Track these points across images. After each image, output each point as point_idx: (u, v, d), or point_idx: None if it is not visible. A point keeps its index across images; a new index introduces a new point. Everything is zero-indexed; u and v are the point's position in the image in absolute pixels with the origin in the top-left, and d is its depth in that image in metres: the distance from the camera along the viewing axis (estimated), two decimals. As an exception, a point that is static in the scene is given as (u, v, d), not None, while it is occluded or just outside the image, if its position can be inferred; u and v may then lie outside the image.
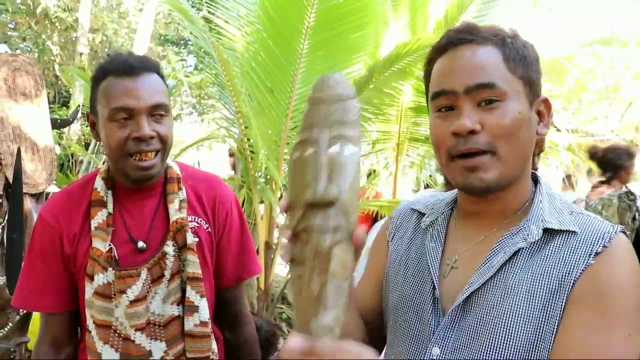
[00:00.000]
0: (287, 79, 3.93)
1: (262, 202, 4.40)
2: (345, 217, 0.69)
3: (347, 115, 0.73)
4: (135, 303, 1.35)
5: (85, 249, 1.40)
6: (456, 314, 0.91)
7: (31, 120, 3.23)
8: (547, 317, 0.83)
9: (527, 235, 0.89)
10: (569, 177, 6.19)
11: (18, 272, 2.57)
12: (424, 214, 1.09)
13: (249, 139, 4.11)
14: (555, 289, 0.84)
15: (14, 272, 2.59)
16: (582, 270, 0.83)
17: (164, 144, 1.40)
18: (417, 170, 5.58)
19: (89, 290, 1.38)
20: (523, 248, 0.89)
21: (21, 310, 2.45)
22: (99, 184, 1.45)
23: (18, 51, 10.12)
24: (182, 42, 13.51)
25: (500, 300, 0.87)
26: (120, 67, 1.36)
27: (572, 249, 0.86)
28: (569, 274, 0.83)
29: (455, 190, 1.06)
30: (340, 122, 0.73)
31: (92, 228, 1.40)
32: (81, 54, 10.33)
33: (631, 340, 0.78)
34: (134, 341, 1.37)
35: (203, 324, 1.41)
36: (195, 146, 6.11)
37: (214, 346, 1.45)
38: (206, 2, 4.26)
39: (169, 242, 1.41)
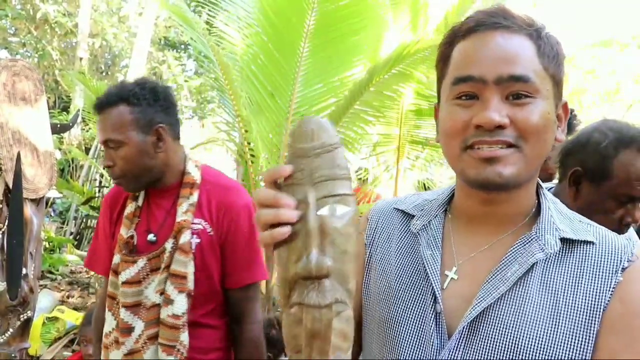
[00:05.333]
0: (287, 82, 3.93)
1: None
2: (342, 285, 0.63)
3: (335, 169, 0.65)
4: (126, 285, 1.60)
5: (117, 232, 1.69)
6: (465, 333, 0.81)
7: (31, 125, 3.22)
8: (577, 342, 0.75)
9: (544, 245, 0.81)
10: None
11: (18, 277, 2.56)
12: (412, 216, 0.97)
13: (249, 143, 4.10)
14: (583, 309, 0.76)
15: (14, 277, 2.57)
16: (612, 289, 0.76)
17: (121, 171, 1.61)
18: (417, 173, 5.57)
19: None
20: (540, 260, 0.81)
21: (22, 315, 2.45)
22: None
23: (18, 56, 10.12)
24: (181, 46, 13.52)
25: (516, 319, 0.78)
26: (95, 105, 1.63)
27: (595, 263, 0.79)
28: (598, 294, 0.76)
29: (447, 190, 0.98)
30: (328, 178, 0.64)
31: (124, 216, 1.68)
32: (81, 58, 10.33)
33: None
34: (121, 316, 1.61)
35: (175, 316, 1.56)
36: (195, 149, 6.08)
37: (183, 337, 1.57)
38: (206, 6, 4.26)
39: (170, 240, 1.59)
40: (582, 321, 0.75)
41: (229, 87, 3.92)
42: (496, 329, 0.78)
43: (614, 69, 9.71)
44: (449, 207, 0.95)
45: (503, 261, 0.82)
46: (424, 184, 5.69)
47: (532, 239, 0.82)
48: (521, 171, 0.79)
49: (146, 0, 10.14)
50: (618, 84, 9.71)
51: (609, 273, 0.77)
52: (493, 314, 0.79)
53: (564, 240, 0.82)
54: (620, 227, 1.35)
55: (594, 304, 0.76)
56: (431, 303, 0.85)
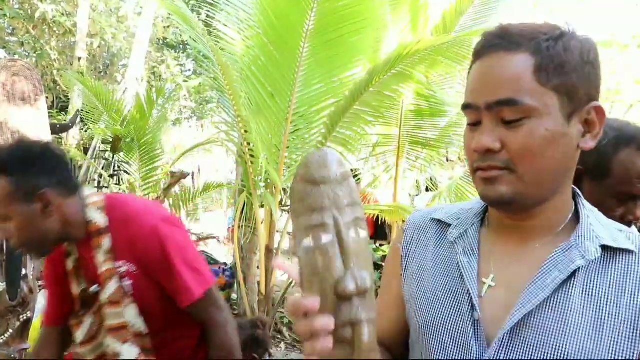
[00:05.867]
0: (287, 83, 3.93)
1: (262, 206, 4.38)
2: (372, 303, 0.67)
3: (354, 195, 0.69)
4: (83, 345, 1.61)
5: (67, 290, 1.66)
6: (505, 341, 0.80)
7: (30, 125, 3.22)
8: (621, 351, 0.76)
9: (585, 252, 0.80)
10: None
11: (18, 278, 2.55)
12: (449, 225, 0.97)
13: (249, 143, 4.10)
14: (627, 319, 0.76)
15: (14, 278, 2.57)
16: None
17: (20, 242, 1.53)
18: (417, 174, 5.57)
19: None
20: (581, 267, 0.80)
21: (21, 316, 2.44)
22: None
23: (16, 56, 10.11)
24: (180, 46, 13.51)
25: (558, 326, 0.78)
26: None
27: (637, 272, 0.79)
28: None
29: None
30: (351, 204, 0.69)
31: (68, 273, 1.65)
32: (79, 58, 10.32)
33: None
34: None
35: None
36: (194, 150, 6.09)
37: None
38: (205, 6, 4.26)
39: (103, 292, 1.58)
40: (626, 331, 0.76)
41: (229, 88, 3.92)
42: (538, 336, 0.78)
43: (614, 69, 9.72)
44: (485, 216, 0.95)
45: (543, 268, 0.81)
46: (427, 187, 5.69)
47: (571, 246, 0.82)
48: (518, 191, 0.80)
49: (145, 0, 10.13)
50: (618, 84, 9.72)
51: None
52: (534, 321, 0.79)
53: (604, 248, 0.81)
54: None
55: (638, 315, 0.76)
56: (469, 310, 0.84)
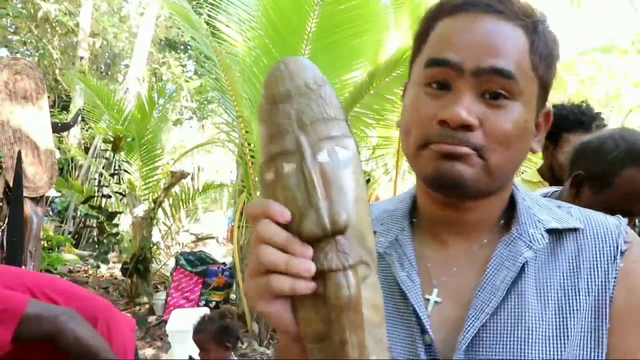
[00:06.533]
0: (289, 84, 3.94)
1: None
2: (360, 242, 0.51)
3: (326, 107, 0.53)
4: None
5: None
6: None
7: (32, 124, 3.23)
8: (587, 342, 0.67)
9: (530, 241, 0.71)
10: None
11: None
12: (374, 232, 0.78)
13: (249, 144, 4.11)
14: (588, 305, 0.68)
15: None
16: (614, 278, 0.68)
17: None
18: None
19: None
20: (530, 259, 0.70)
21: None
22: None
23: (18, 55, 10.13)
24: (182, 46, 13.54)
25: (517, 333, 0.67)
26: None
27: (590, 252, 0.70)
28: (600, 287, 0.68)
29: (407, 197, 0.83)
30: (319, 119, 0.52)
31: None
32: (81, 58, 10.35)
33: None
34: None
35: None
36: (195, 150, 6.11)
37: None
38: (207, 7, 4.28)
39: None
40: (589, 319, 0.67)
41: (230, 88, 3.94)
42: (497, 348, 0.68)
43: (614, 74, 9.74)
44: (413, 216, 0.80)
45: (489, 270, 0.70)
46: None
47: (514, 238, 0.72)
48: (482, 180, 0.67)
49: (147, 0, 10.15)
50: (618, 89, 9.74)
51: (608, 261, 0.69)
52: (490, 333, 0.68)
53: (550, 232, 0.72)
54: None
55: (599, 299, 0.67)
56: (419, 334, 0.70)
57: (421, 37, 0.73)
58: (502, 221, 0.76)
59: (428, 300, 0.72)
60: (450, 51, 0.67)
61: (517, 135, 0.67)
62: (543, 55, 0.69)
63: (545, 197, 1.49)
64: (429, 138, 0.67)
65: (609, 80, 9.81)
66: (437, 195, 0.73)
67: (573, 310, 0.67)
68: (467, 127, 0.65)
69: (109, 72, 12.90)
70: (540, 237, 0.71)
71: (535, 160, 4.70)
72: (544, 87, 0.71)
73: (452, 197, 0.71)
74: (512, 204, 0.77)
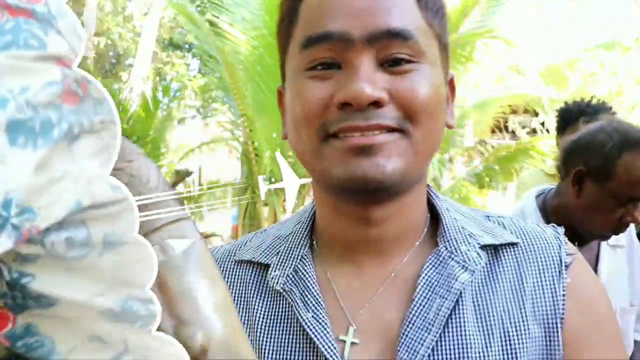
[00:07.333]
0: (292, 82, 3.96)
1: (266, 204, 4.42)
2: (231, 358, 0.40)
3: (143, 191, 0.40)
4: None
5: None
6: None
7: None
8: None
9: (465, 261, 0.59)
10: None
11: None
12: (267, 265, 0.65)
13: (253, 142, 4.14)
14: (537, 332, 0.58)
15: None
16: (563, 296, 0.59)
17: None
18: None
19: None
20: (466, 282, 0.58)
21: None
22: None
23: (23, 55, 10.15)
24: (186, 45, 13.58)
25: None
26: None
27: (532, 268, 0.61)
28: (549, 308, 0.59)
29: (304, 215, 0.68)
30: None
31: None
32: (86, 57, 10.40)
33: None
34: None
35: None
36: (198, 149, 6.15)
37: None
38: (211, 6, 4.30)
39: None
40: (540, 348, 0.58)
41: (234, 87, 3.96)
42: None
43: (616, 71, 9.71)
44: (313, 239, 0.66)
45: (417, 299, 0.58)
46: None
47: (444, 258, 0.60)
48: (410, 164, 0.55)
49: (151, 0, 10.19)
50: (620, 86, 9.72)
51: (553, 277, 0.60)
52: None
53: (484, 248, 0.61)
54: (619, 226, 1.38)
55: (549, 323, 0.58)
56: None
57: (289, 18, 0.64)
58: (424, 236, 0.64)
59: (343, 342, 0.58)
60: (330, 21, 0.55)
61: (436, 102, 0.56)
62: (434, 10, 0.58)
63: (541, 195, 1.52)
64: (330, 127, 0.55)
65: (611, 77, 9.79)
66: (346, 206, 0.60)
67: (522, 340, 0.57)
68: (375, 104, 0.53)
69: (114, 72, 12.94)
70: (476, 256, 0.60)
71: (536, 158, 4.71)
72: (444, 47, 0.60)
73: (370, 201, 0.58)
74: (431, 213, 0.66)
